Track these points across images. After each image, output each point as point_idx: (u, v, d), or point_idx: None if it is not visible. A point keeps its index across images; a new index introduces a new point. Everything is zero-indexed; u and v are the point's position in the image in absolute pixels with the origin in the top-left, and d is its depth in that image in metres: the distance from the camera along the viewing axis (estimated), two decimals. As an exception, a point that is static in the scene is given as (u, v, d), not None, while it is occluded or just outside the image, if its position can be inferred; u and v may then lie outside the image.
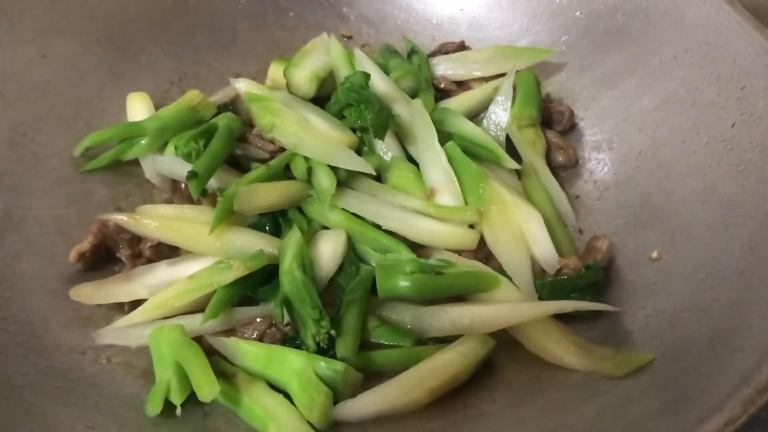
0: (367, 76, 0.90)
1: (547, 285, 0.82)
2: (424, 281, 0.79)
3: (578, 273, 0.82)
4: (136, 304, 0.81)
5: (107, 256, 0.87)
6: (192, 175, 0.84)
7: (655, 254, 0.84)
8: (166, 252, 0.87)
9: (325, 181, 0.86)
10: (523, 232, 0.86)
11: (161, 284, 0.82)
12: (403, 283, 0.79)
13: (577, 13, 1.06)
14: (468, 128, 0.95)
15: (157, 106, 1.01)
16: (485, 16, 1.15)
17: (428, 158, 0.91)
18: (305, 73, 0.99)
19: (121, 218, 0.85)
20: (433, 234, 0.85)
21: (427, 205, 0.86)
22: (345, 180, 0.88)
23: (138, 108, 1.00)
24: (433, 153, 0.91)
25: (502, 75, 1.02)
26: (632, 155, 0.94)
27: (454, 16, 1.17)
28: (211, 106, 1.00)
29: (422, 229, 0.85)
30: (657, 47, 0.96)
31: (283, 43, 1.14)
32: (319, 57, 1.02)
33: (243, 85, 1.00)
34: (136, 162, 0.96)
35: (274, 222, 0.89)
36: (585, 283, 0.81)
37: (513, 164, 0.91)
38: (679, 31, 0.94)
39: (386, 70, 1.03)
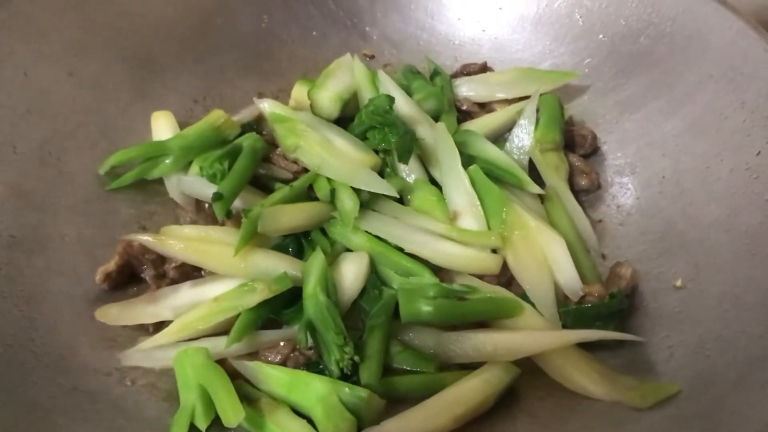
0: (391, 99, 0.91)
1: (571, 313, 0.82)
2: (447, 306, 0.79)
3: (602, 301, 0.82)
4: (160, 325, 0.82)
5: (132, 275, 0.87)
6: (217, 197, 0.84)
7: (679, 282, 0.83)
8: (190, 272, 0.88)
9: (348, 202, 0.87)
10: (546, 257, 0.85)
11: (186, 305, 0.82)
12: (426, 308, 0.79)
13: (601, 36, 1.07)
14: (491, 151, 0.95)
15: (182, 125, 1.02)
16: (508, 37, 1.15)
17: (451, 181, 0.91)
18: (329, 94, 1.00)
19: (146, 239, 0.85)
20: (456, 258, 0.85)
21: (449, 228, 0.86)
22: (368, 202, 0.88)
23: (162, 127, 1.01)
24: (456, 176, 0.91)
25: (526, 98, 1.02)
26: (655, 180, 0.94)
27: (477, 37, 1.17)
28: (235, 126, 1.00)
29: (445, 252, 0.85)
30: (681, 72, 0.97)
31: (306, 62, 1.15)
32: (343, 78, 1.02)
33: (267, 106, 1.00)
34: (160, 180, 0.97)
35: (297, 243, 0.89)
36: (609, 312, 0.81)
37: (536, 189, 0.91)
38: (704, 57, 0.94)
39: (409, 91, 1.03)
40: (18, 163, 0.89)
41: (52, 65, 0.97)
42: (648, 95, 0.99)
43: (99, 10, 1.03)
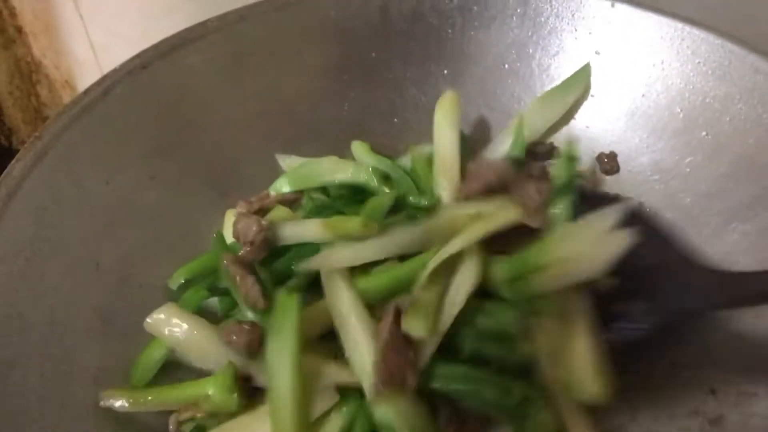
0: None
1: None
2: None
3: None
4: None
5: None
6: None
7: None
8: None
9: None
10: None
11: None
12: None
13: (704, 134, 0.99)
14: None
15: (263, 219, 0.98)
16: (600, 127, 1.08)
17: None
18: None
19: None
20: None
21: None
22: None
23: (236, 227, 0.97)
24: None
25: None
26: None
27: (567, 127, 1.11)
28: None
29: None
30: (798, 183, 0.89)
31: (386, 149, 1.08)
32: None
33: None
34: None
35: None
36: None
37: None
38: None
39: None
40: (102, 282, 0.87)
41: (134, 170, 0.95)
42: (760, 205, 0.92)
43: (177, 109, 1.01)
